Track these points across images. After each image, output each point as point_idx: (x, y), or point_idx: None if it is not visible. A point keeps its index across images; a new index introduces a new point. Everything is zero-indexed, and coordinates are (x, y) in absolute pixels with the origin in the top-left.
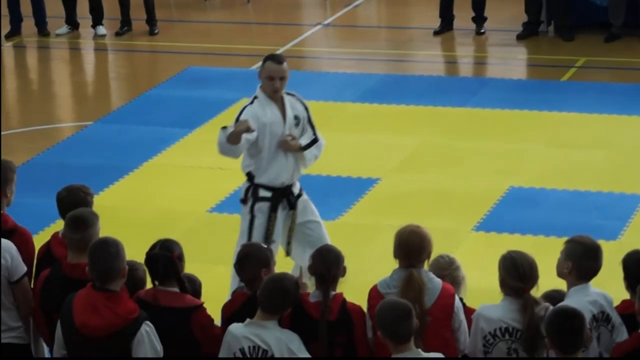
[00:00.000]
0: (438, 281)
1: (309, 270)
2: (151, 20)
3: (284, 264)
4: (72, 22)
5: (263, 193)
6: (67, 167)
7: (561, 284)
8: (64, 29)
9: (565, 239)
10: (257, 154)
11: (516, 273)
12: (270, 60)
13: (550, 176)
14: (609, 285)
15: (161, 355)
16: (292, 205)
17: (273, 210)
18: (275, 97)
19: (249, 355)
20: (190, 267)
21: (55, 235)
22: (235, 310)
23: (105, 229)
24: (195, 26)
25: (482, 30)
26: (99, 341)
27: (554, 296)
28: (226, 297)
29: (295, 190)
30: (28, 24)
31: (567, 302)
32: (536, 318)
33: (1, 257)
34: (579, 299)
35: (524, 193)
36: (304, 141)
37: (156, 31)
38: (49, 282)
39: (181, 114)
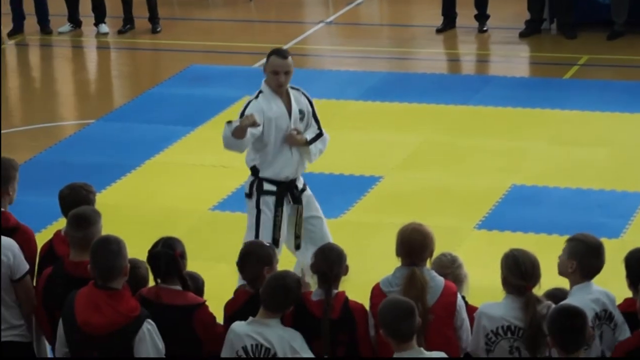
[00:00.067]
0: (440, 279)
1: (311, 268)
2: (153, 19)
3: (286, 262)
4: (74, 20)
5: (268, 187)
6: (70, 165)
7: (563, 282)
8: (67, 27)
9: (567, 237)
10: (262, 148)
11: (518, 271)
12: (275, 54)
13: (552, 174)
14: (611, 284)
15: (163, 353)
16: (296, 200)
17: (279, 204)
18: (280, 91)
19: (251, 354)
20: (192, 265)
21: (57, 234)
22: (238, 309)
23: (107, 227)
24: (197, 24)
25: (485, 28)
26: (100, 339)
27: (556, 294)
28: (229, 295)
29: (299, 184)
30: (30, 22)
31: (570, 301)
32: (538, 316)
33: (3, 255)
34: (582, 297)
35: (527, 191)
36: (309, 135)
37: (158, 29)
38: (51, 280)
39: (183, 112)
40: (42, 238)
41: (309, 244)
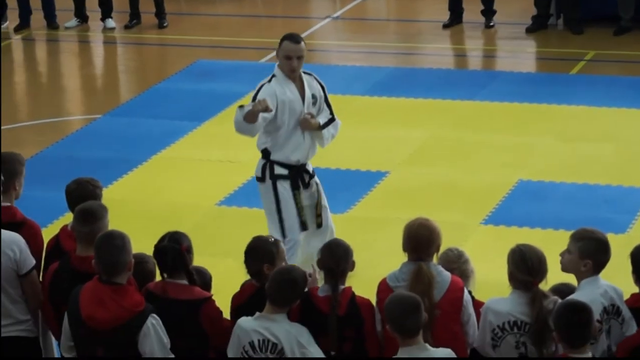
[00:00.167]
0: (447, 274)
1: (317, 264)
2: (160, 14)
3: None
4: (81, 15)
5: (279, 170)
6: (76, 160)
7: (569, 278)
8: (73, 22)
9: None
10: (274, 132)
11: (525, 266)
12: (288, 39)
13: (559, 169)
14: (617, 279)
15: (168, 347)
16: (307, 185)
17: (296, 187)
18: (293, 76)
19: (258, 349)
20: (198, 260)
21: (64, 228)
22: (243, 302)
23: (114, 222)
24: (204, 19)
25: (492, 24)
26: (105, 334)
27: (563, 289)
28: (235, 290)
29: (309, 169)
30: (37, 17)
31: (579, 295)
32: (545, 311)
33: (10, 250)
34: (591, 291)
35: (533, 186)
36: (321, 120)
37: (165, 24)
38: (57, 275)
39: (190, 107)
40: (48, 233)
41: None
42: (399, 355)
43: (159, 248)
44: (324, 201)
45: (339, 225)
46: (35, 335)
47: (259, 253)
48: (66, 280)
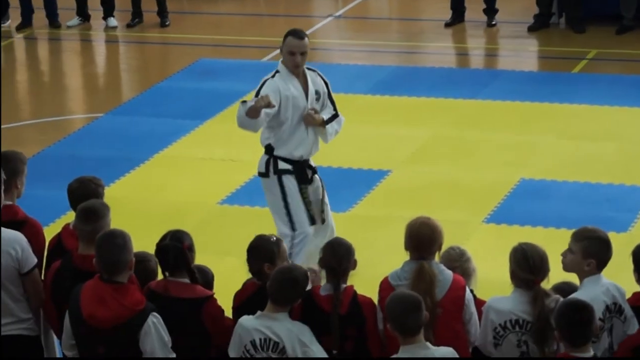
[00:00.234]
0: (449, 273)
1: (319, 263)
2: (162, 12)
3: None
4: (83, 14)
5: (283, 165)
6: (78, 158)
7: (571, 276)
8: (75, 20)
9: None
10: (277, 127)
11: (527, 265)
12: (292, 35)
13: (561, 168)
14: (619, 278)
15: (169, 346)
16: (309, 180)
17: (301, 182)
18: (297, 72)
19: (260, 348)
20: (200, 259)
21: (66, 227)
22: (245, 300)
23: (116, 221)
24: (206, 18)
25: (494, 22)
26: (106, 332)
27: (564, 288)
28: (237, 288)
29: (312, 164)
30: (39, 16)
31: (581, 293)
32: (546, 310)
33: (12, 249)
34: (593, 290)
35: (535, 185)
36: (325, 116)
37: (167, 23)
38: (59, 273)
39: (192, 106)
40: (50, 231)
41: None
42: (400, 353)
43: (161, 247)
44: (326, 198)
45: (341, 223)
46: (36, 334)
47: (260, 252)
48: (68, 279)
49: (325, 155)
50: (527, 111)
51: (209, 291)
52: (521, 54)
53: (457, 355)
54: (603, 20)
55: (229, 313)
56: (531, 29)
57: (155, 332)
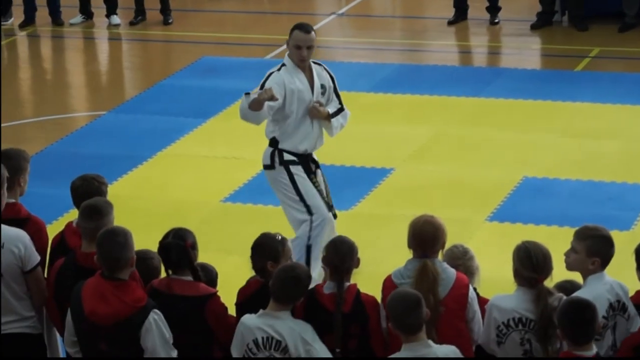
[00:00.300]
0: (452, 271)
1: (322, 261)
2: (165, 10)
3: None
4: (86, 12)
5: (288, 157)
6: (81, 156)
7: (574, 274)
8: (78, 18)
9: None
10: (282, 120)
11: (530, 263)
12: (298, 29)
13: (564, 166)
14: (622, 276)
15: (171, 342)
16: (313, 173)
17: (309, 172)
18: (303, 65)
19: (262, 346)
20: (203, 257)
21: (69, 225)
22: (248, 297)
23: (118, 219)
24: (209, 16)
25: (496, 20)
26: (107, 329)
27: (567, 287)
28: (240, 286)
29: (315, 159)
30: (42, 14)
31: (585, 291)
32: (549, 308)
33: (14, 247)
34: (597, 288)
35: (538, 183)
36: (330, 110)
37: (170, 21)
38: (63, 271)
39: (195, 104)
40: (53, 229)
41: None
42: (402, 351)
43: (164, 244)
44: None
45: (344, 221)
46: (39, 332)
47: (264, 250)
48: (71, 277)
49: (328, 153)
50: (530, 109)
51: (212, 289)
52: (524, 52)
53: (459, 353)
54: (605, 18)
55: (232, 311)
56: (534, 27)
57: (157, 328)
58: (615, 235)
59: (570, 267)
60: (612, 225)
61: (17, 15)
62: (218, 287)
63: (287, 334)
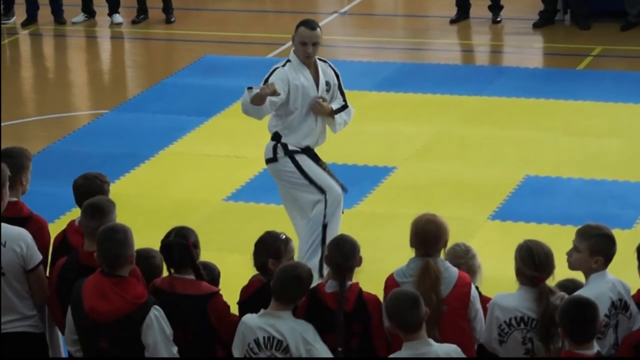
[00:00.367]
0: (454, 270)
1: (325, 260)
2: (167, 9)
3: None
4: (88, 10)
5: (292, 147)
6: (83, 155)
7: (576, 273)
8: (80, 17)
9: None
10: (286, 116)
11: (532, 262)
12: (304, 25)
13: (566, 165)
14: (623, 275)
15: (171, 338)
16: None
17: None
18: (308, 62)
19: (263, 346)
20: (205, 256)
21: (71, 224)
22: (250, 295)
23: (121, 217)
24: (211, 14)
25: (499, 19)
26: (108, 326)
27: (568, 286)
28: (242, 285)
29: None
30: (44, 12)
31: (588, 289)
32: (551, 307)
33: (16, 246)
34: (600, 286)
35: (540, 182)
36: (334, 106)
37: (172, 19)
38: (65, 270)
39: (197, 102)
40: (55, 228)
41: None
42: (403, 350)
43: (166, 243)
44: None
45: (346, 220)
46: (41, 331)
47: (266, 247)
48: (74, 276)
49: (330, 151)
50: (532, 108)
51: (214, 287)
52: (526, 50)
53: (460, 352)
54: (608, 16)
55: (234, 309)
56: (536, 26)
57: (158, 325)
58: (617, 233)
59: (572, 266)
60: (614, 224)
61: (20, 13)
62: (220, 286)
63: (288, 333)
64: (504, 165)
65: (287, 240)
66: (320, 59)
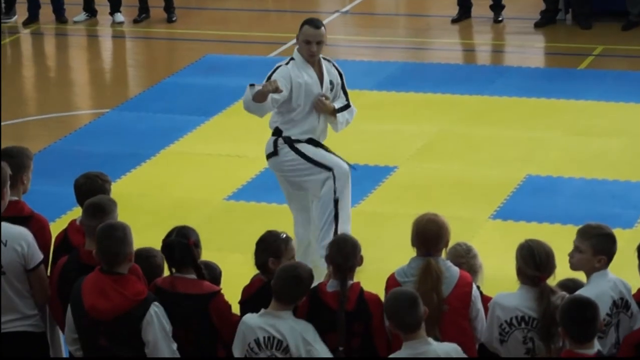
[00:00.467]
0: (455, 270)
1: (325, 260)
2: (169, 8)
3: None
4: (90, 9)
5: (294, 138)
6: (85, 154)
7: (577, 272)
8: (82, 16)
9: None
10: (288, 113)
11: (533, 262)
12: (308, 24)
13: (567, 164)
14: (624, 274)
15: (170, 335)
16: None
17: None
18: (312, 60)
19: (263, 346)
20: (206, 255)
21: (72, 223)
22: (251, 295)
23: (122, 216)
24: (213, 14)
25: (500, 18)
26: (107, 324)
27: (569, 285)
28: (243, 284)
29: None
30: (46, 11)
31: (590, 288)
32: (552, 307)
33: (17, 245)
34: (601, 285)
35: (541, 181)
36: (337, 106)
37: (174, 18)
38: (66, 269)
39: (199, 102)
40: (56, 227)
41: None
42: (402, 350)
43: (167, 243)
44: None
45: None
46: (42, 330)
47: (266, 246)
48: (75, 275)
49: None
50: (534, 107)
51: (215, 287)
52: (528, 50)
53: (460, 351)
54: (609, 16)
55: (235, 308)
56: (538, 25)
57: (158, 321)
58: (618, 233)
59: (575, 267)
60: (615, 223)
61: (21, 12)
62: (221, 285)
63: (289, 333)
64: (505, 164)
65: (288, 240)
66: (324, 58)
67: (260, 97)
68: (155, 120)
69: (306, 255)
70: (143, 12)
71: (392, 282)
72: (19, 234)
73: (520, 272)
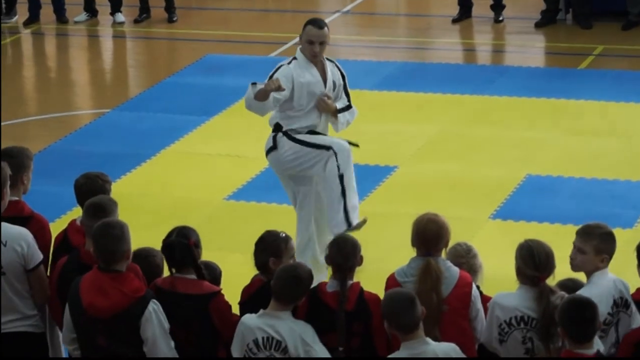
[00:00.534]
0: (455, 270)
1: (325, 260)
2: (170, 8)
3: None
4: (90, 10)
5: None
6: (85, 154)
7: (577, 273)
8: (83, 16)
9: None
10: (289, 111)
11: (532, 262)
12: (311, 24)
13: (567, 164)
14: (623, 274)
15: (168, 332)
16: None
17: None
18: (315, 60)
19: (262, 346)
20: (207, 255)
21: (72, 223)
22: (251, 295)
23: (122, 216)
24: (213, 14)
25: (501, 18)
26: (106, 322)
27: (568, 285)
28: (243, 284)
29: None
30: (47, 11)
31: (590, 288)
32: (552, 307)
33: (17, 245)
34: (602, 284)
35: (541, 181)
36: (338, 106)
37: (175, 18)
38: (66, 269)
39: (199, 102)
40: (56, 227)
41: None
42: (401, 350)
43: (167, 243)
44: None
45: None
46: (42, 330)
47: (266, 246)
48: (75, 275)
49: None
50: (534, 107)
51: (216, 287)
52: (528, 50)
53: (459, 351)
54: (609, 16)
55: (235, 308)
56: (538, 25)
57: (156, 318)
58: (618, 233)
59: (577, 268)
60: (615, 223)
61: (22, 12)
62: (221, 286)
63: (287, 334)
64: (505, 164)
65: (287, 239)
66: (327, 59)
67: (262, 96)
68: (156, 120)
69: (306, 251)
70: (144, 12)
71: (392, 282)
72: (19, 234)
73: (520, 272)
